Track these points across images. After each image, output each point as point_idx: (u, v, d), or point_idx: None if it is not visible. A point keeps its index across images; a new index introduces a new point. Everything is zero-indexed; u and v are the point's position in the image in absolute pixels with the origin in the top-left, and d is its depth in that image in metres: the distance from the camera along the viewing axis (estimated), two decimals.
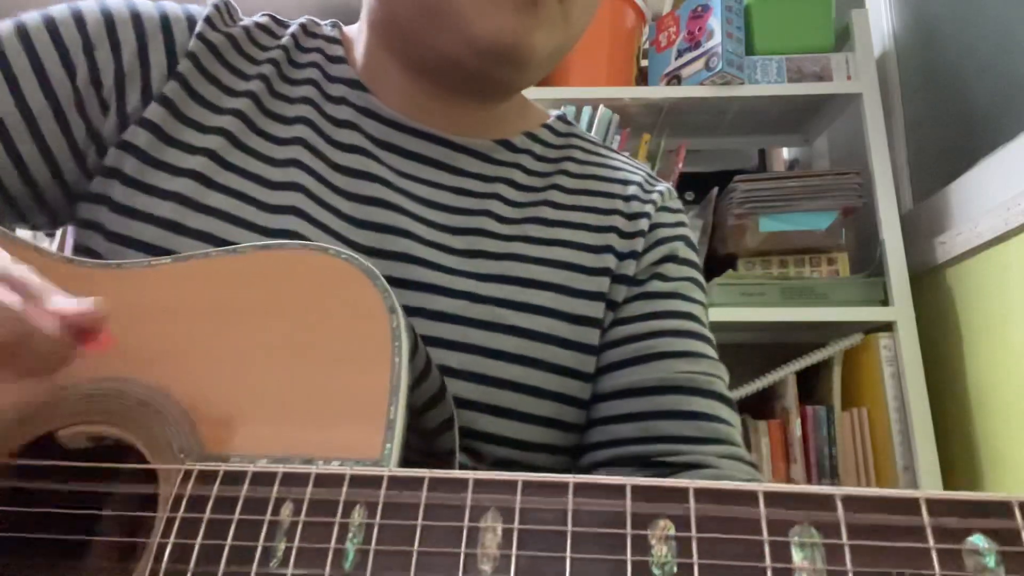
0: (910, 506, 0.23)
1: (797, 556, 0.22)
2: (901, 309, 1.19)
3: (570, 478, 0.26)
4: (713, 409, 0.47)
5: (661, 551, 0.23)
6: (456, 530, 0.25)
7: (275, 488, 0.28)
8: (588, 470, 0.47)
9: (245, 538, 0.28)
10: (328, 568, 0.26)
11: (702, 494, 0.24)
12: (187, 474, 0.30)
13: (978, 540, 0.22)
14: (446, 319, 0.45)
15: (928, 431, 1.13)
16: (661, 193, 0.55)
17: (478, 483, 0.26)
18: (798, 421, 1.22)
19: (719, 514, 0.24)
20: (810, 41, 1.36)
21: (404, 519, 0.26)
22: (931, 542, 0.22)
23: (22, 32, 0.45)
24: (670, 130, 1.45)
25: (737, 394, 1.25)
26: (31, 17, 0.46)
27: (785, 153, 1.71)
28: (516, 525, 0.25)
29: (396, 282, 0.43)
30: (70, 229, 0.48)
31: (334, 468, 0.29)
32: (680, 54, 1.39)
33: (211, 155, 0.45)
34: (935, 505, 0.23)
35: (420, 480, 0.27)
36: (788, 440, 1.22)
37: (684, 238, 0.54)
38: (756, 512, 0.23)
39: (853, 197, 1.26)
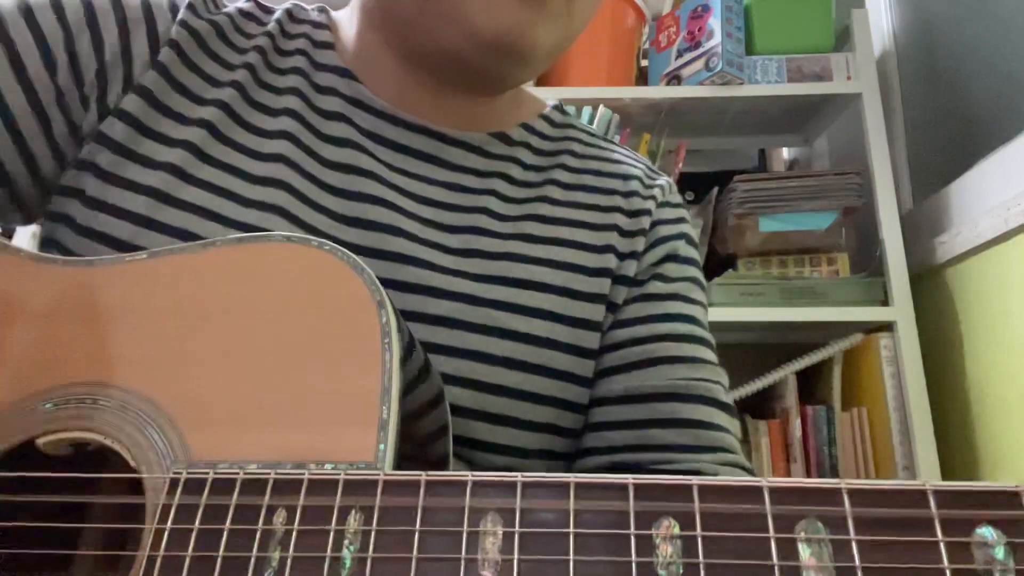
0: (917, 498, 0.22)
1: (804, 552, 0.22)
2: (901, 309, 1.18)
3: (571, 478, 0.25)
4: (712, 417, 0.46)
5: (666, 551, 0.23)
6: (455, 535, 0.25)
7: (267, 495, 0.27)
8: None
9: (238, 548, 0.26)
10: None
11: (706, 491, 0.24)
12: (174, 483, 0.29)
13: (986, 532, 0.21)
14: (442, 323, 0.43)
15: (928, 431, 1.13)
16: (662, 188, 0.54)
17: (476, 485, 0.26)
18: (798, 421, 1.22)
19: (724, 511, 0.23)
20: (810, 41, 1.35)
21: (401, 524, 0.25)
22: (939, 535, 0.22)
23: None
24: (670, 130, 1.45)
25: (737, 394, 1.25)
26: (6, 5, 0.43)
27: (785, 153, 1.71)
28: (517, 528, 0.24)
29: (389, 283, 0.42)
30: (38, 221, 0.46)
31: (327, 472, 0.28)
32: (680, 54, 1.39)
33: (190, 148, 0.43)
34: (942, 497, 0.22)
35: (416, 483, 0.26)
36: (788, 440, 1.22)
37: (685, 235, 0.53)
38: (761, 508, 0.23)
39: (853, 197, 1.26)
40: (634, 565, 0.23)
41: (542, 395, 0.45)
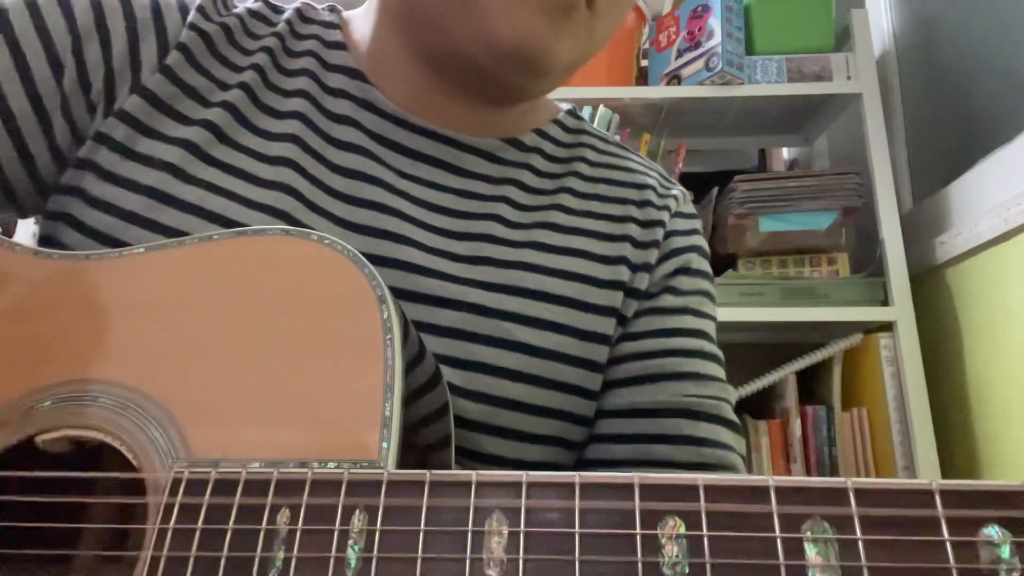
0: (923, 497, 0.22)
1: (810, 552, 0.22)
2: (901, 309, 1.19)
3: (576, 476, 0.25)
4: (717, 435, 0.46)
5: (672, 551, 0.23)
6: (460, 535, 0.25)
7: (270, 494, 0.27)
8: None
9: (241, 548, 0.26)
10: None
11: (712, 490, 0.24)
12: (175, 482, 0.28)
13: (993, 531, 0.21)
14: (450, 334, 0.42)
15: (928, 431, 1.13)
16: (676, 198, 0.53)
17: (481, 484, 0.26)
18: (798, 421, 1.22)
19: (730, 511, 0.23)
20: (810, 41, 1.36)
21: (406, 524, 0.25)
22: (945, 534, 0.22)
23: (3, 19, 0.41)
24: (670, 130, 1.45)
25: (737, 394, 1.25)
26: (14, 3, 0.42)
27: (785, 153, 1.71)
28: (522, 528, 0.24)
29: (396, 292, 0.40)
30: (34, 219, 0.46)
31: (330, 471, 0.27)
32: (680, 54, 1.39)
33: (190, 147, 0.42)
34: (949, 496, 0.22)
35: (421, 482, 0.26)
36: (788, 440, 1.22)
37: (698, 248, 0.52)
38: (768, 507, 0.23)
39: (853, 197, 1.26)
40: (640, 565, 0.23)
41: (550, 408, 0.44)
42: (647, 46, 1.50)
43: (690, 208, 0.54)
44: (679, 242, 0.51)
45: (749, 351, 1.34)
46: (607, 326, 0.46)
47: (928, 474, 1.11)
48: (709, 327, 0.50)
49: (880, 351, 1.18)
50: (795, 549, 0.22)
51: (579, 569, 0.23)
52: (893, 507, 0.22)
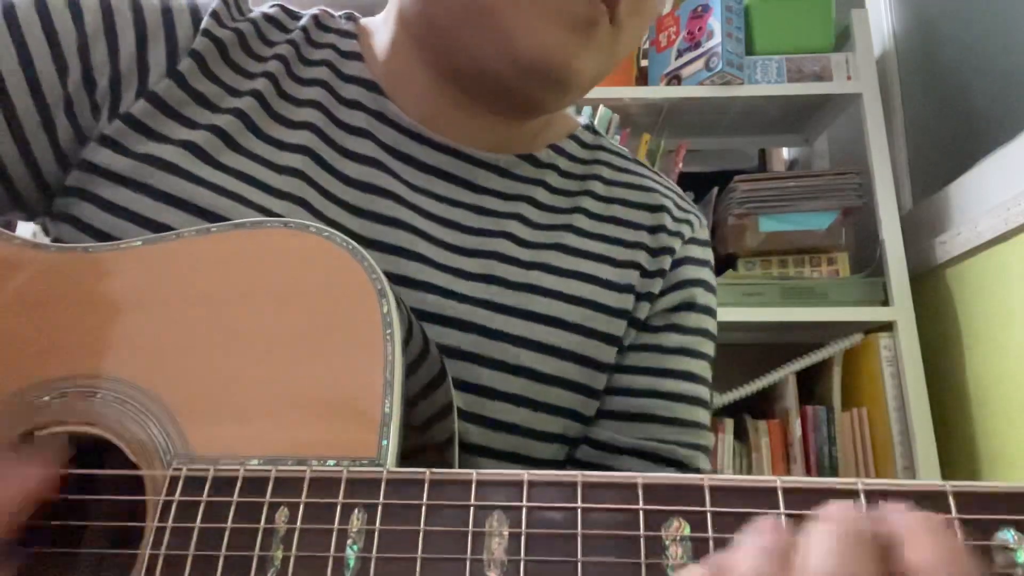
0: (936, 499, 0.22)
1: None
2: (901, 309, 1.18)
3: (578, 475, 0.25)
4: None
5: (676, 552, 0.23)
6: (461, 535, 0.25)
7: (268, 492, 0.27)
8: None
9: (240, 547, 0.26)
10: None
11: (717, 491, 0.23)
12: (174, 479, 0.28)
13: (1008, 535, 0.21)
14: (455, 355, 0.42)
15: (928, 431, 1.13)
16: (690, 223, 0.52)
17: (481, 483, 0.25)
18: (798, 421, 1.22)
19: (735, 512, 0.23)
20: (810, 41, 1.35)
21: (406, 524, 0.25)
22: (959, 539, 0.21)
23: (10, 16, 0.40)
24: (670, 130, 1.45)
25: (737, 394, 1.25)
26: (22, 1, 0.41)
27: (785, 153, 1.71)
28: (523, 529, 0.24)
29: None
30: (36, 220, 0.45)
31: (329, 469, 0.27)
32: (680, 54, 1.39)
33: (198, 151, 0.42)
34: (962, 498, 0.22)
35: (420, 481, 0.26)
36: (788, 440, 1.22)
37: (705, 282, 0.51)
38: (775, 509, 0.23)
39: (853, 197, 1.26)
40: (643, 567, 0.23)
41: (547, 432, 0.44)
42: (647, 46, 1.50)
43: (704, 235, 0.53)
44: (687, 273, 0.50)
45: (749, 351, 1.34)
46: (608, 355, 0.46)
47: (928, 474, 1.11)
48: (703, 368, 0.50)
49: (880, 351, 1.18)
50: None
51: (582, 571, 0.23)
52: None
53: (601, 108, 1.34)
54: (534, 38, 0.40)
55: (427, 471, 0.26)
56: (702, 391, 0.49)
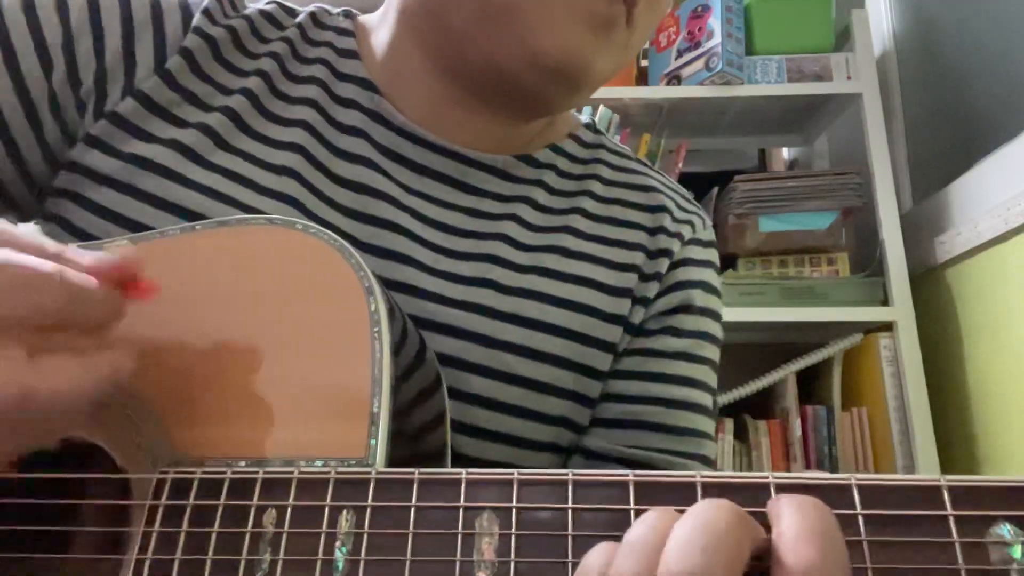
0: (931, 494, 0.22)
1: None
2: (901, 309, 1.18)
3: (568, 474, 0.24)
4: None
5: None
6: (450, 536, 0.24)
7: (256, 495, 0.27)
8: None
9: (227, 551, 0.26)
10: None
11: (710, 488, 0.23)
12: (160, 483, 0.28)
13: (1004, 530, 0.21)
14: (449, 363, 0.41)
15: (928, 431, 1.13)
16: (692, 224, 0.50)
17: (471, 483, 0.25)
18: (798, 421, 1.22)
19: None
20: (810, 41, 1.35)
21: (394, 526, 0.25)
22: (954, 534, 0.21)
23: None
24: (670, 130, 1.45)
25: (737, 394, 1.25)
26: None
27: (785, 153, 1.71)
28: (513, 531, 0.24)
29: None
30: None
31: (317, 469, 0.27)
32: (680, 54, 1.39)
33: (186, 151, 0.41)
34: (957, 493, 0.22)
35: (409, 481, 0.25)
36: (788, 440, 1.22)
37: (705, 283, 0.50)
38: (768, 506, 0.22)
39: (853, 197, 1.26)
40: None
41: (540, 442, 0.43)
42: (647, 46, 1.50)
43: (708, 235, 0.52)
44: (686, 274, 0.49)
45: (749, 351, 1.34)
46: (603, 362, 0.45)
47: (928, 473, 1.10)
48: (703, 373, 0.48)
49: (880, 351, 1.18)
50: None
51: (572, 571, 0.23)
52: (899, 504, 0.22)
53: (601, 108, 1.34)
54: (556, 38, 0.39)
55: (416, 471, 0.26)
56: (701, 397, 0.47)
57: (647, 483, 0.24)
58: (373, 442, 0.28)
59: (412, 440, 0.33)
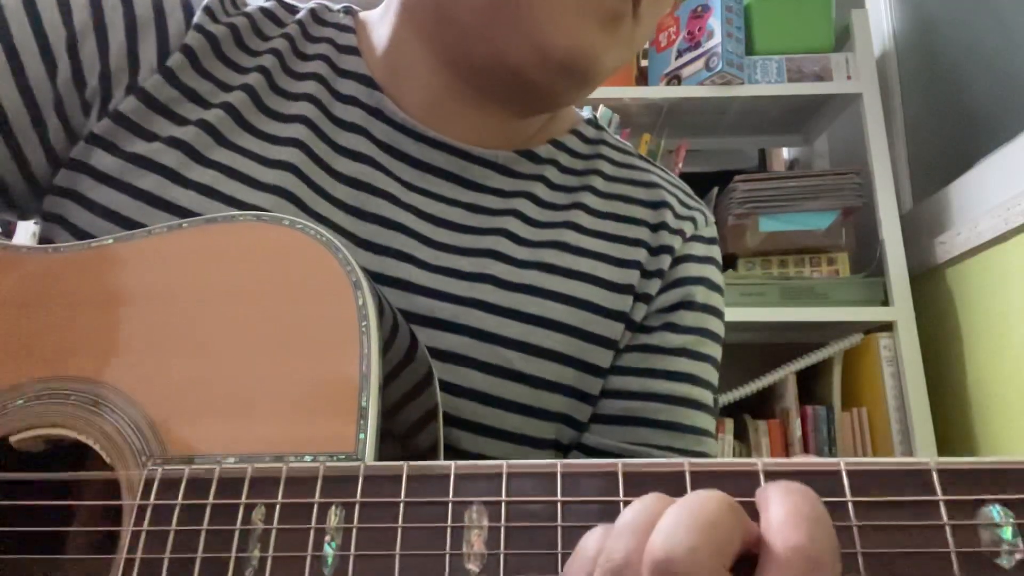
0: (921, 477, 0.22)
1: None
2: (901, 309, 1.18)
3: (557, 464, 0.24)
4: None
5: None
6: (440, 529, 0.24)
7: (244, 491, 0.27)
8: None
9: (216, 549, 0.26)
10: None
11: (699, 476, 0.23)
12: (149, 481, 0.28)
13: (994, 512, 0.21)
14: (448, 358, 0.41)
15: (928, 431, 1.12)
16: (694, 220, 0.50)
17: (460, 476, 0.25)
18: (798, 421, 1.21)
19: None
20: (810, 41, 1.35)
21: (383, 521, 0.25)
22: (944, 516, 0.21)
23: None
24: (670, 130, 1.45)
25: (737, 394, 1.25)
26: None
27: (785, 153, 1.71)
28: (503, 523, 0.24)
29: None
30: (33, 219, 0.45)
31: (306, 464, 0.27)
32: (680, 54, 1.39)
33: (187, 149, 0.41)
34: (947, 475, 0.22)
35: (398, 476, 0.25)
36: (788, 440, 1.22)
37: (706, 280, 0.49)
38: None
39: (853, 197, 1.26)
40: None
41: (541, 439, 0.43)
42: (647, 46, 1.50)
43: (711, 232, 0.52)
44: (687, 270, 0.48)
45: (749, 351, 1.34)
46: (605, 359, 0.45)
47: None
48: (704, 370, 0.48)
49: (880, 351, 1.18)
50: None
51: (562, 562, 0.23)
52: (888, 488, 0.22)
53: (601, 108, 1.34)
54: (565, 33, 0.39)
55: (405, 464, 0.26)
56: (701, 394, 0.47)
57: (636, 473, 0.24)
58: (362, 436, 0.28)
59: (404, 436, 0.32)
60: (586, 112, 0.56)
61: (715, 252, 0.52)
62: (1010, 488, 0.21)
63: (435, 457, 0.36)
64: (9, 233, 1.34)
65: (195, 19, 0.44)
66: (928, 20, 1.29)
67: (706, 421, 0.47)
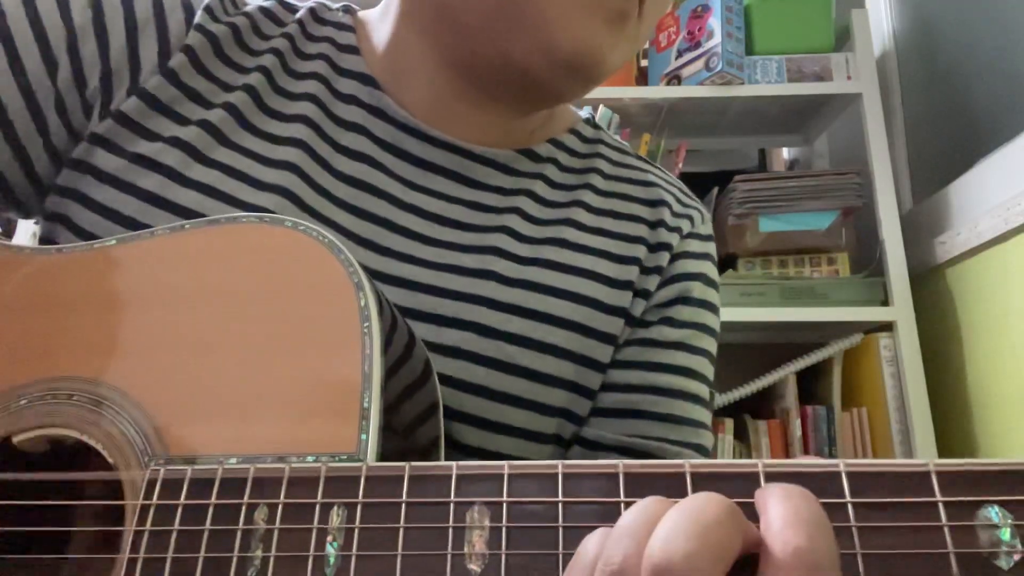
0: (920, 479, 0.22)
1: None
2: (901, 309, 1.18)
3: (559, 465, 0.25)
4: None
5: None
6: (442, 530, 0.24)
7: (247, 492, 0.27)
8: None
9: (219, 549, 0.26)
10: None
11: (700, 478, 0.23)
12: (151, 482, 0.28)
13: (992, 513, 0.21)
14: (451, 353, 0.41)
15: (928, 431, 1.13)
16: (691, 218, 0.51)
17: (461, 476, 0.25)
18: (798, 421, 1.22)
19: None
20: (810, 41, 1.35)
21: (385, 521, 0.25)
22: (943, 518, 0.21)
23: None
24: (670, 130, 1.45)
25: (737, 394, 1.25)
26: None
27: (785, 153, 1.71)
28: (504, 523, 0.24)
29: (399, 311, 0.39)
30: (35, 219, 0.45)
31: (308, 465, 0.27)
32: (680, 54, 1.39)
33: (189, 149, 0.41)
34: (946, 477, 0.22)
35: (400, 476, 0.26)
36: (788, 440, 1.22)
37: (703, 276, 0.50)
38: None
39: (853, 197, 1.26)
40: None
41: (543, 433, 0.44)
42: (647, 46, 1.50)
43: (707, 230, 0.52)
44: (684, 267, 0.49)
45: (749, 351, 1.34)
46: (604, 354, 0.46)
47: None
48: (700, 364, 0.49)
49: (880, 351, 1.18)
50: None
51: (562, 563, 0.23)
52: (888, 489, 0.22)
53: (601, 108, 1.34)
54: (573, 31, 0.39)
55: (407, 465, 0.26)
56: (698, 387, 0.48)
57: (637, 474, 0.24)
58: (364, 437, 0.28)
59: (404, 433, 0.33)
60: (585, 112, 0.56)
61: (711, 249, 0.52)
62: (1008, 489, 0.21)
63: (436, 450, 0.36)
64: (9, 233, 1.34)
65: (196, 19, 0.44)
66: (928, 20, 1.29)
67: (702, 414, 0.48)
